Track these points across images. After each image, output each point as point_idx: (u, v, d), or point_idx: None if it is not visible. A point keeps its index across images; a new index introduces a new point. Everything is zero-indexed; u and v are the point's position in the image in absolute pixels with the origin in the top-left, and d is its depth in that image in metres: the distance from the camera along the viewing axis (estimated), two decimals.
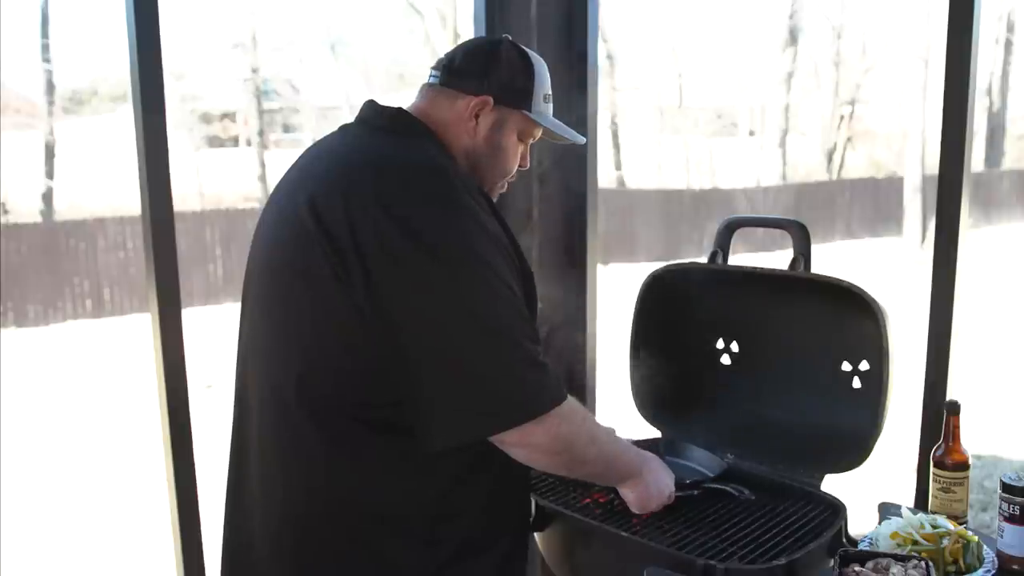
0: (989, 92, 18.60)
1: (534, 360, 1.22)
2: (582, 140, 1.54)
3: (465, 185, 1.27)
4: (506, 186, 1.50)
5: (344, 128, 1.42)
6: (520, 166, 1.49)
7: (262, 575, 1.36)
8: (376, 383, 1.24)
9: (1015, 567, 1.49)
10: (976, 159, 17.45)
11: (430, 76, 1.44)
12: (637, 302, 2.00)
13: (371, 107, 1.40)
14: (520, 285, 1.28)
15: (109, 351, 8.73)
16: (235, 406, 1.42)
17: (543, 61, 1.46)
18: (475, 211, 1.24)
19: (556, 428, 1.25)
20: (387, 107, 1.39)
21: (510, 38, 1.45)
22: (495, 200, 1.46)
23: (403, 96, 1.46)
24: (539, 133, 1.48)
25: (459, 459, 1.29)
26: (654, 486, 1.51)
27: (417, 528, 1.29)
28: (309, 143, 1.48)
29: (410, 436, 1.24)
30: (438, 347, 1.19)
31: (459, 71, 1.41)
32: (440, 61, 1.44)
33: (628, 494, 1.50)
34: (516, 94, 1.41)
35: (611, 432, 1.48)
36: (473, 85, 1.39)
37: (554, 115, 1.51)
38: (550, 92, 1.47)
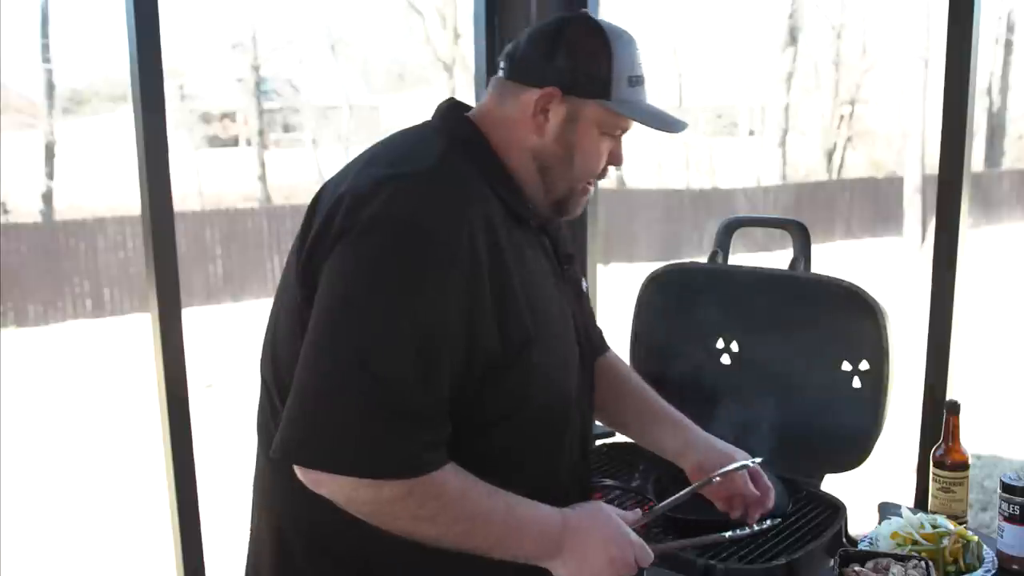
0: (989, 92, 18.59)
1: (400, 418, 1.06)
2: (679, 129, 1.28)
3: (450, 210, 1.12)
4: (591, 189, 1.32)
5: None
6: (611, 163, 1.30)
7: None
8: None
9: (1015, 567, 1.49)
10: (976, 159, 17.44)
11: (499, 67, 1.28)
12: (637, 302, 2.00)
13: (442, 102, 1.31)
14: (465, 339, 1.10)
15: (109, 351, 8.73)
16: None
17: (629, 36, 1.25)
18: (428, 234, 1.09)
19: (397, 495, 1.08)
20: (447, 102, 1.30)
21: (586, 12, 1.27)
22: (580, 208, 1.31)
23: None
24: (630, 123, 1.28)
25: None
26: (589, 561, 1.18)
27: (351, 559, 1.20)
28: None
29: None
30: (309, 363, 1.09)
31: (522, 60, 1.24)
32: (506, 49, 1.27)
33: (559, 572, 1.19)
34: (589, 81, 1.21)
35: (512, 507, 1.16)
36: (537, 76, 1.22)
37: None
38: (640, 73, 1.25)
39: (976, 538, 1.51)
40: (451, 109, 1.29)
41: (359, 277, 1.09)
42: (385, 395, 1.06)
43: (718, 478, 1.39)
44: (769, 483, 1.45)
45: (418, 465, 1.08)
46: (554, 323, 1.25)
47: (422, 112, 1.37)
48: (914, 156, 15.83)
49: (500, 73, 1.27)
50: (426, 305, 1.08)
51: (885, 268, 11.30)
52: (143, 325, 2.24)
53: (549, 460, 1.28)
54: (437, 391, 1.09)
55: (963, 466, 1.66)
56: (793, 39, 19.38)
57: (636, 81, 1.24)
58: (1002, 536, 1.51)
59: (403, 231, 1.09)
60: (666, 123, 1.26)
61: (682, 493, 1.38)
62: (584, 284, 1.47)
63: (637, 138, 1.46)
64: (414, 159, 1.19)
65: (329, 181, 1.26)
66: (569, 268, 1.37)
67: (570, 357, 1.29)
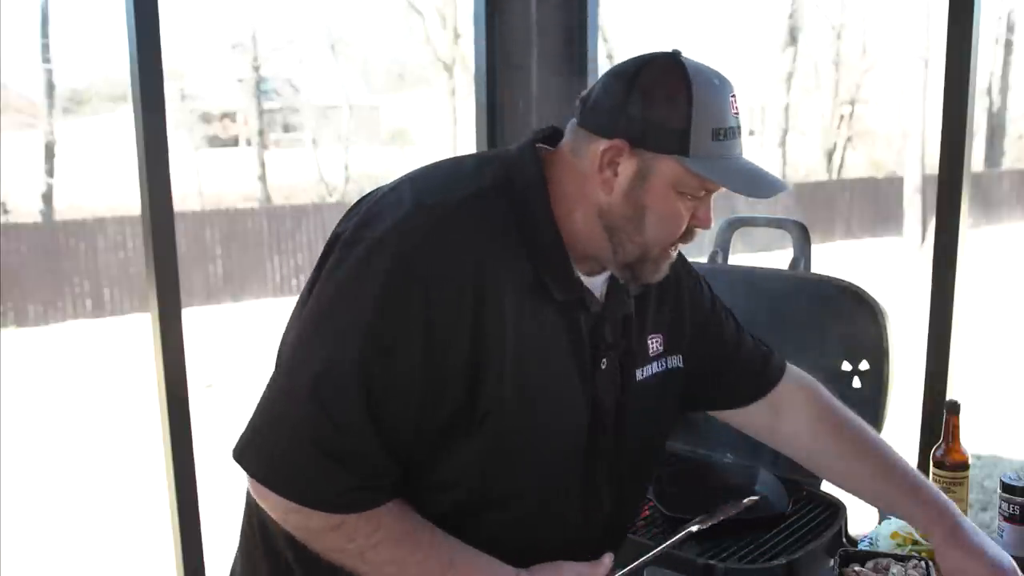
0: (989, 92, 18.59)
1: (335, 453, 1.02)
2: (773, 192, 1.09)
3: (451, 258, 1.03)
4: (673, 254, 1.14)
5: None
6: (696, 226, 1.12)
7: None
8: None
9: None
10: (976, 159, 17.45)
11: (575, 109, 1.13)
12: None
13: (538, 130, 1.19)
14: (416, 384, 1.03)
15: (109, 351, 8.73)
16: None
17: (721, 80, 1.08)
18: (416, 275, 1.02)
19: (326, 527, 1.05)
20: (537, 133, 1.17)
21: (676, 52, 1.09)
22: (659, 275, 1.15)
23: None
24: (716, 185, 1.09)
25: None
26: None
27: None
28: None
29: None
30: (278, 367, 1.09)
31: (594, 105, 1.09)
32: (584, 91, 1.13)
33: None
34: (662, 133, 1.04)
35: (456, 560, 1.09)
36: (606, 124, 1.06)
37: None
38: (729, 125, 1.07)
39: None
40: (531, 144, 1.14)
41: (342, 298, 1.05)
42: (325, 427, 1.01)
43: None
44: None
45: (346, 503, 1.03)
46: (550, 408, 1.12)
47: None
48: (914, 156, 15.84)
49: (575, 117, 1.12)
50: (393, 349, 1.01)
51: (885, 268, 11.30)
52: (143, 325, 2.24)
53: (514, 544, 1.15)
54: (382, 433, 1.03)
55: (963, 466, 1.66)
56: (793, 39, 19.38)
57: (724, 135, 1.07)
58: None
59: (394, 266, 1.02)
60: (755, 186, 1.08)
61: (665, 545, 1.29)
62: (648, 370, 1.25)
63: None
64: (447, 190, 1.09)
65: (377, 188, 1.18)
66: (609, 355, 1.18)
67: (567, 448, 1.16)
